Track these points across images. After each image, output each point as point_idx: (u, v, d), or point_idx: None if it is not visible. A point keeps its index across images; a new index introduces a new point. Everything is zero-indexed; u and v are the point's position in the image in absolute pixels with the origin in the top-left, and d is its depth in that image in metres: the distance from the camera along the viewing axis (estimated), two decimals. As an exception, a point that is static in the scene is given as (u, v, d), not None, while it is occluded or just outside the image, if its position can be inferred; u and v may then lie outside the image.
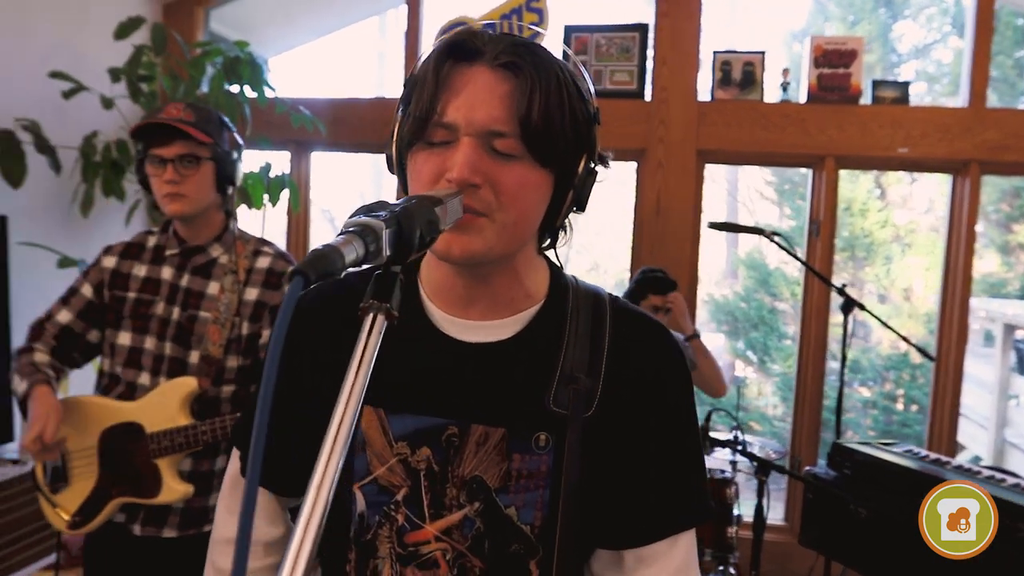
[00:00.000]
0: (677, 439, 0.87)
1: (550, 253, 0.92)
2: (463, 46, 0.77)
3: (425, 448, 0.83)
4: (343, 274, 0.54)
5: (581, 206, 0.84)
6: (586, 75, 0.83)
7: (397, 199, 0.88)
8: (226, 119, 1.81)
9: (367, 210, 0.61)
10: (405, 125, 0.79)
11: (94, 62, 3.14)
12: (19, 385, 1.70)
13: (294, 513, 0.99)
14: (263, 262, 1.79)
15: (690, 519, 0.87)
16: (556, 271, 0.91)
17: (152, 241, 1.84)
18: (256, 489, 0.47)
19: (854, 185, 8.55)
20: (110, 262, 1.82)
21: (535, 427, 0.82)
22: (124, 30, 2.95)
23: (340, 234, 0.56)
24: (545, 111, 0.75)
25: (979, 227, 3.42)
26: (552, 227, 0.86)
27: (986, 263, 9.14)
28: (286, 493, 0.98)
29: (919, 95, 9.10)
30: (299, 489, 0.95)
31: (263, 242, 1.85)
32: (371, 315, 0.59)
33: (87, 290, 1.81)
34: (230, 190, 1.82)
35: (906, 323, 8.47)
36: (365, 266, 0.57)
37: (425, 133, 0.77)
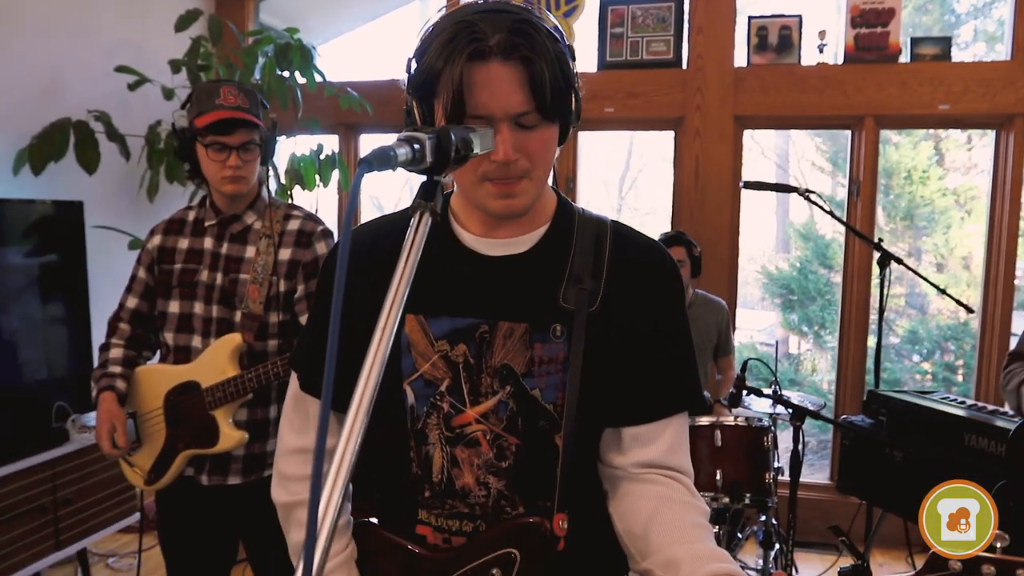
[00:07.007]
0: (668, 338, 1.04)
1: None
2: (473, 50, 0.89)
3: (462, 344, 1.00)
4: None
5: (576, 120, 1.01)
6: (559, 24, 0.99)
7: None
8: (261, 96, 1.95)
9: (414, 129, 0.75)
10: (435, 115, 0.93)
11: (155, 55, 3.35)
12: (93, 390, 1.95)
13: None
14: (294, 224, 1.93)
15: (677, 405, 1.04)
16: (562, 197, 1.10)
17: (192, 215, 1.99)
18: (328, 409, 0.59)
19: (915, 152, 8.33)
20: (155, 241, 1.98)
21: (551, 320, 0.99)
22: (183, 23, 3.14)
23: (394, 141, 0.70)
24: (553, 83, 0.90)
25: None
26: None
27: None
28: (340, 408, 1.11)
29: (978, 55, 8.79)
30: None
31: (292, 206, 1.99)
32: (418, 213, 0.72)
33: (142, 273, 1.99)
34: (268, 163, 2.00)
35: (964, 291, 8.23)
36: (412, 169, 0.71)
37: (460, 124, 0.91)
